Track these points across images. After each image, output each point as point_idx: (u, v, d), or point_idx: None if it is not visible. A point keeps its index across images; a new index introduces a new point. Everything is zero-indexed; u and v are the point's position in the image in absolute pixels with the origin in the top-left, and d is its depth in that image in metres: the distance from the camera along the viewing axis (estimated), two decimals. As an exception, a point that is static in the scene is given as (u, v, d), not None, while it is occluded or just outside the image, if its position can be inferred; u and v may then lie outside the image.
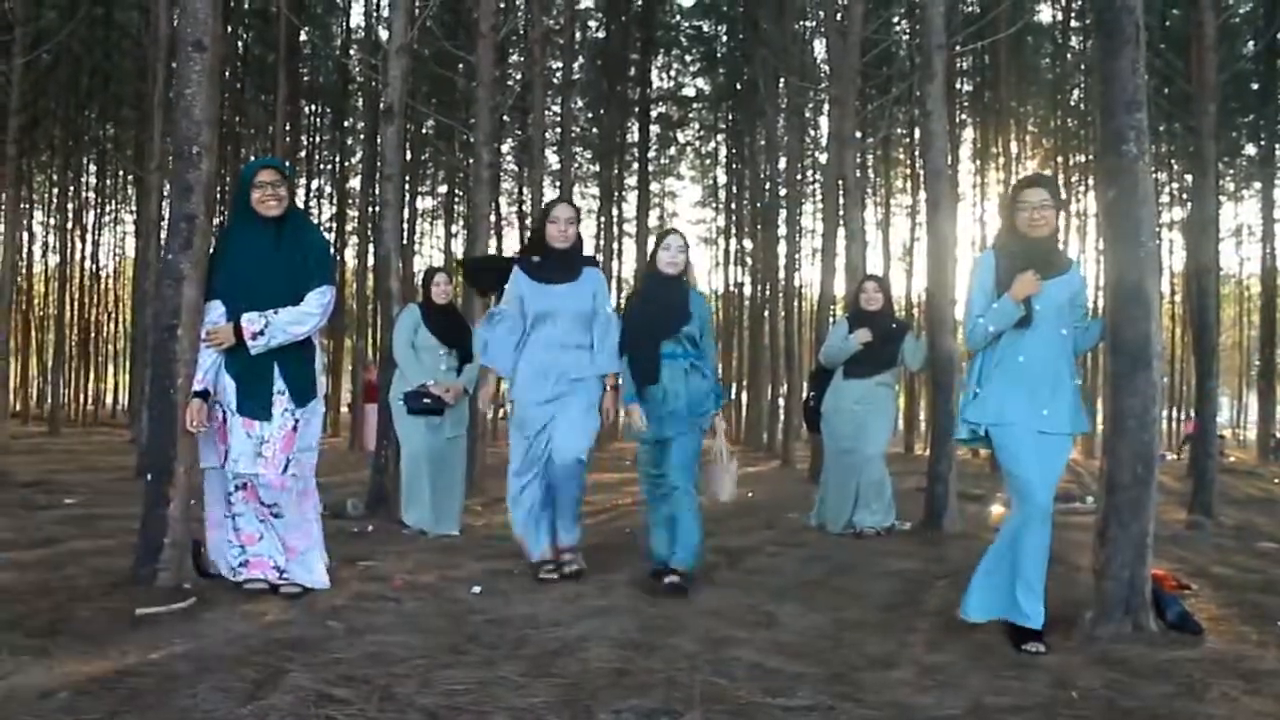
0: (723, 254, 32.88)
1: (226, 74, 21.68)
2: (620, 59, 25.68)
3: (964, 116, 25.63)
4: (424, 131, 23.54)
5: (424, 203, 29.37)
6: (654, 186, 32.04)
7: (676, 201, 42.81)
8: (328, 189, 28.51)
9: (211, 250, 3.99)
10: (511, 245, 25.41)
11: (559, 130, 21.81)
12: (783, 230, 21.32)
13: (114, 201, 31.95)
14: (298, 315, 3.83)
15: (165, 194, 10.14)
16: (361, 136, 25.25)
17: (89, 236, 30.59)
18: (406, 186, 20.88)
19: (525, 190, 24.54)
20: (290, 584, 3.90)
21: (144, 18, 16.51)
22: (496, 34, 10.17)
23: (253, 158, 21.27)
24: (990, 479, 12.18)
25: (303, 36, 20.90)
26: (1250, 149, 25.95)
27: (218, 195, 15.52)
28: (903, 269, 27.42)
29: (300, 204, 11.33)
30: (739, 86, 26.68)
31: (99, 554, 4.62)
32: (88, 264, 31.10)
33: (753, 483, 11.43)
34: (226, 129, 21.67)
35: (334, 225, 25.56)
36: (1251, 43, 21.49)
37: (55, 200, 27.97)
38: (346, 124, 26.34)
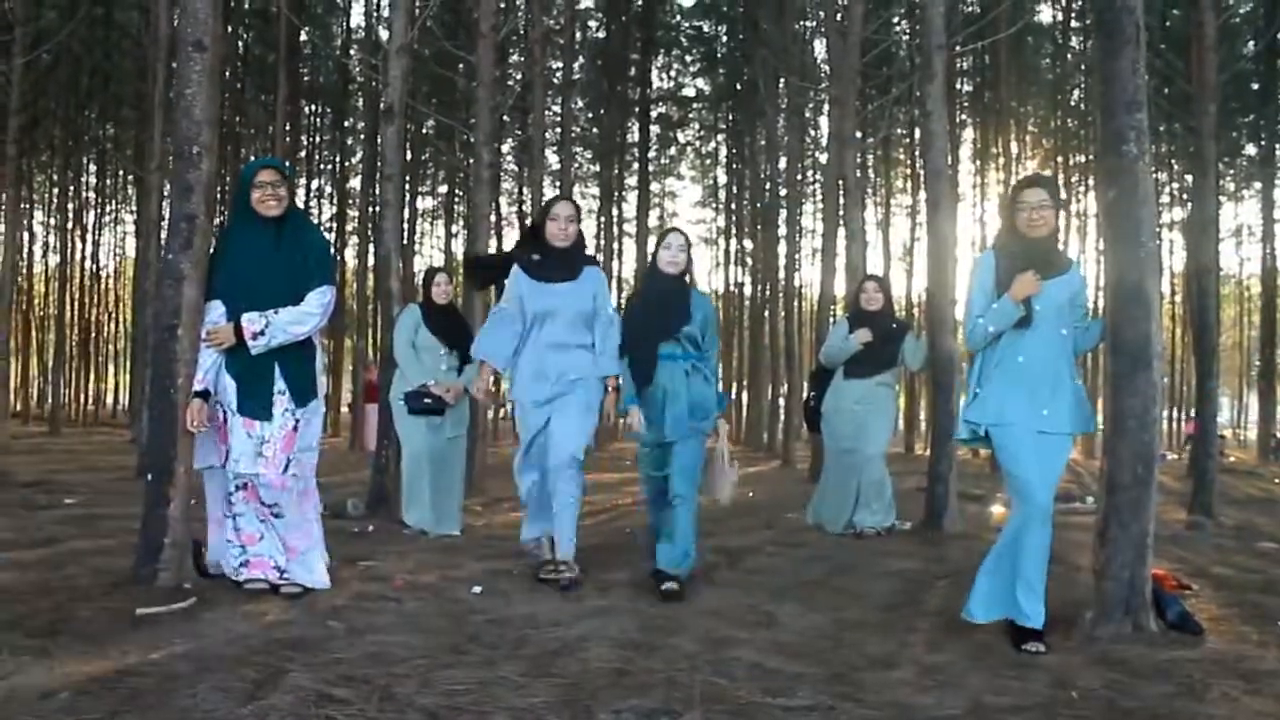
0: (723, 254, 32.96)
1: (226, 74, 21.68)
2: (620, 59, 25.68)
3: (964, 116, 25.62)
4: (424, 131, 23.55)
5: (424, 203, 29.41)
6: (654, 186, 32.04)
7: (676, 201, 42.94)
8: (328, 189, 28.53)
9: (212, 250, 3.99)
10: (512, 245, 25.34)
11: (559, 130, 21.83)
12: (783, 230, 21.33)
13: (114, 201, 31.96)
14: (298, 315, 3.83)
15: (165, 194, 10.15)
16: (361, 136, 25.26)
17: (89, 236, 30.60)
18: (407, 186, 20.89)
19: (525, 190, 24.53)
20: (291, 584, 3.90)
21: (144, 18, 16.54)
22: (497, 34, 10.19)
23: (253, 158, 21.28)
24: (990, 479, 12.18)
25: (303, 36, 20.90)
26: (1250, 149, 25.95)
27: (218, 195, 15.49)
28: (903, 269, 27.48)
29: (300, 204, 11.34)
30: (739, 86, 26.69)
31: (99, 554, 4.61)
32: (88, 264, 31.11)
33: (753, 483, 11.43)
34: (226, 129, 21.68)
35: (334, 225, 25.57)
36: (1251, 43, 21.48)
37: (55, 200, 27.98)
38: (346, 124, 26.35)
